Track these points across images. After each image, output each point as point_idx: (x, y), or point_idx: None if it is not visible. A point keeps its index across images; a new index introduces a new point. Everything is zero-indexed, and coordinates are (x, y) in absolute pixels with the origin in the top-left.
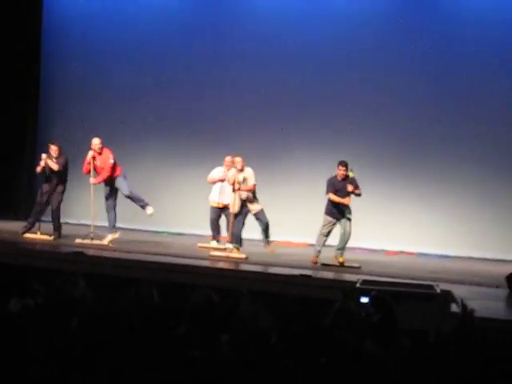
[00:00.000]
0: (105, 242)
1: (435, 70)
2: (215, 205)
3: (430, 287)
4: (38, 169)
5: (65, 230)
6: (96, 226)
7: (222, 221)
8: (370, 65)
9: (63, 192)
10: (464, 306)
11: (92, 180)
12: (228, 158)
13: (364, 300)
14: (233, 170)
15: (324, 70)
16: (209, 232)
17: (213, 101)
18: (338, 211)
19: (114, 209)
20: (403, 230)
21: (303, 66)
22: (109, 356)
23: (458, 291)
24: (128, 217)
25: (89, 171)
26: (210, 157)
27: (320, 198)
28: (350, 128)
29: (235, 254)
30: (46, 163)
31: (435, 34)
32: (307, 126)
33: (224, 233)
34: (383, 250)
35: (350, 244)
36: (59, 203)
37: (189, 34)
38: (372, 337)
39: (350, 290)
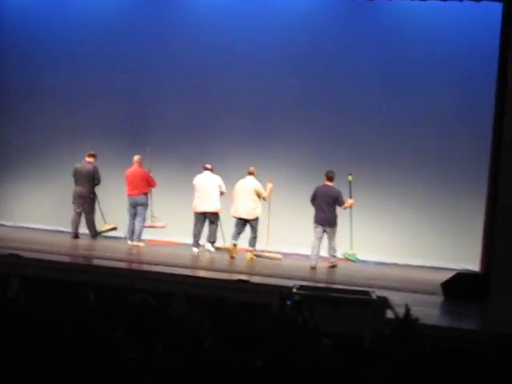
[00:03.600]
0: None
1: (394, 83)
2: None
3: (366, 293)
4: None
5: (0, 232)
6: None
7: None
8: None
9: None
10: (408, 310)
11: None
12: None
13: (288, 304)
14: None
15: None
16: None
17: (153, 104)
18: None
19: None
20: (342, 236)
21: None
22: (42, 356)
23: (394, 298)
24: (66, 219)
25: None
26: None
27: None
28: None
29: (273, 255)
30: None
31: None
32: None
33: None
34: (321, 257)
35: (288, 250)
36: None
37: (135, 37)
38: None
39: (286, 295)
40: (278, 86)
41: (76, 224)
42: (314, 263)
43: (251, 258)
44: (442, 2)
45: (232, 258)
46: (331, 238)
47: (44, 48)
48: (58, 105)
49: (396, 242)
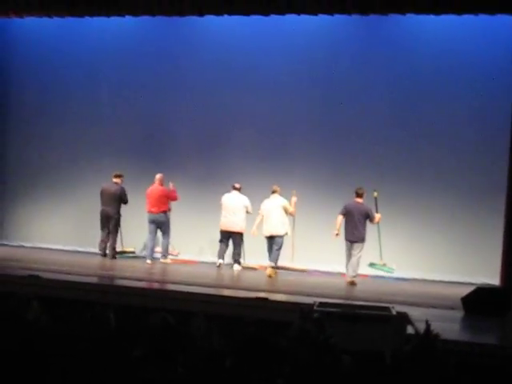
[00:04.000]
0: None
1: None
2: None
3: (386, 309)
4: None
5: (20, 253)
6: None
7: None
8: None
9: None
10: (428, 326)
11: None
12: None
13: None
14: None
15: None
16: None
17: (168, 123)
18: None
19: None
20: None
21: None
22: (64, 378)
23: (414, 313)
24: (85, 240)
25: None
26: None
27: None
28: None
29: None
30: None
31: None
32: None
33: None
34: (339, 273)
35: (309, 267)
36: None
37: (142, 60)
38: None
39: (307, 312)
40: (295, 103)
41: (104, 244)
42: (353, 279)
43: (270, 275)
44: (457, 16)
45: (270, 277)
46: (354, 254)
47: (60, 68)
48: (74, 125)
49: (414, 257)
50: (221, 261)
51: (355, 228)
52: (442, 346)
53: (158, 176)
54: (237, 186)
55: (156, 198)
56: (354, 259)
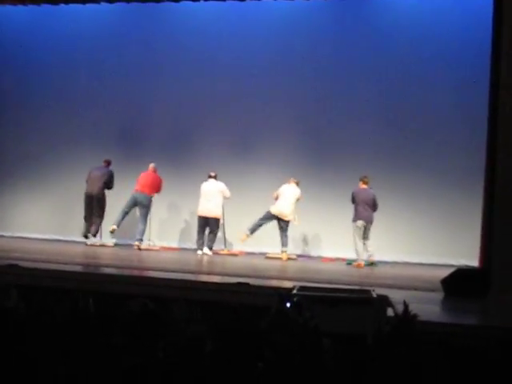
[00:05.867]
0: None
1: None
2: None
3: (367, 292)
4: None
5: None
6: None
7: None
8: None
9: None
10: (406, 306)
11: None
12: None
13: (287, 305)
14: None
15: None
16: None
17: (147, 111)
18: None
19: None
20: (339, 236)
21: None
22: (43, 365)
23: (395, 296)
24: (64, 228)
25: None
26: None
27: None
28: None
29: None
30: None
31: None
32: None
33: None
34: (319, 257)
35: (290, 251)
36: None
37: (120, 47)
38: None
39: (285, 295)
40: (276, 91)
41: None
42: (361, 263)
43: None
44: None
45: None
46: (368, 236)
47: (37, 56)
48: (54, 114)
49: (394, 240)
50: (200, 252)
51: (364, 210)
52: (422, 328)
53: (153, 164)
54: (212, 174)
55: (149, 182)
56: (370, 242)
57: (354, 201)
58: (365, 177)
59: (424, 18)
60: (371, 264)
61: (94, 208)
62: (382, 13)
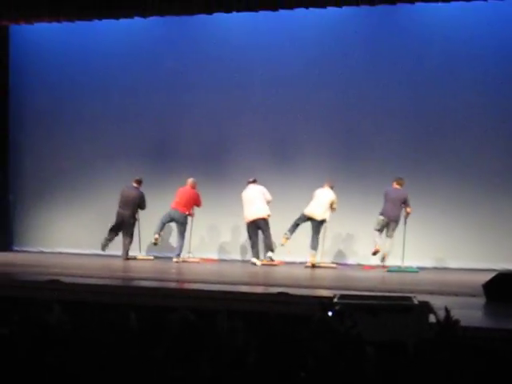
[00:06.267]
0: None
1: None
2: None
3: (408, 299)
4: None
5: (39, 258)
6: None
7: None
8: (363, 82)
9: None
10: (448, 312)
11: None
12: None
13: (329, 314)
14: None
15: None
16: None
17: (180, 125)
18: None
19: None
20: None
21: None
22: (85, 380)
23: (436, 302)
24: (97, 242)
25: None
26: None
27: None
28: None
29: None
30: None
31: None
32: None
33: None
34: (360, 265)
35: (327, 259)
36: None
37: (153, 61)
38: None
39: (328, 305)
40: (307, 98)
41: (108, 242)
42: (377, 247)
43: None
44: (466, 3)
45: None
46: (391, 234)
47: (71, 72)
48: (87, 129)
49: (434, 246)
50: (257, 261)
51: (390, 208)
52: (464, 333)
53: (191, 180)
54: (251, 179)
55: (185, 198)
56: (390, 241)
57: (384, 198)
58: (400, 178)
59: (456, 24)
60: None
61: (124, 229)
62: (414, 19)
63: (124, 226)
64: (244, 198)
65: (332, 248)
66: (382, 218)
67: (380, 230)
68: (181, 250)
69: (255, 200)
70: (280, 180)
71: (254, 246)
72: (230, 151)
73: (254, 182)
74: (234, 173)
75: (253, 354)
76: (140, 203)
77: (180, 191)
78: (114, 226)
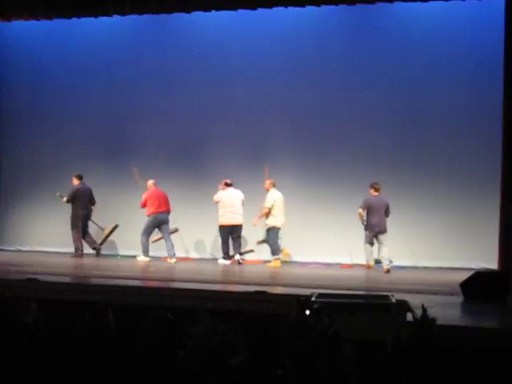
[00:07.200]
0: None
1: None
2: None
3: (386, 297)
4: None
5: (17, 257)
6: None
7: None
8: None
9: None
10: (425, 310)
11: None
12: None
13: (307, 312)
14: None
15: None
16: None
17: (160, 126)
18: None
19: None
20: (357, 243)
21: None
22: (62, 378)
23: (414, 301)
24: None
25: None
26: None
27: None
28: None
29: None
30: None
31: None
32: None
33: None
34: (337, 264)
35: (304, 259)
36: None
37: (133, 59)
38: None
39: (304, 303)
40: (286, 98)
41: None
42: (371, 263)
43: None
44: (444, 2)
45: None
46: (385, 244)
47: (50, 70)
48: (67, 127)
49: (412, 245)
50: (223, 261)
51: (377, 218)
52: (441, 331)
53: (153, 181)
54: (229, 181)
55: (164, 199)
56: (386, 249)
57: (367, 210)
58: (376, 183)
59: (434, 24)
60: (388, 271)
61: (85, 224)
62: (392, 18)
63: (86, 221)
64: (227, 201)
65: (311, 247)
66: (375, 231)
67: (371, 243)
68: (174, 248)
69: (238, 205)
70: (255, 182)
71: (227, 248)
72: (205, 150)
73: (232, 185)
74: (207, 170)
75: (238, 355)
76: (93, 197)
77: (155, 195)
78: (83, 228)
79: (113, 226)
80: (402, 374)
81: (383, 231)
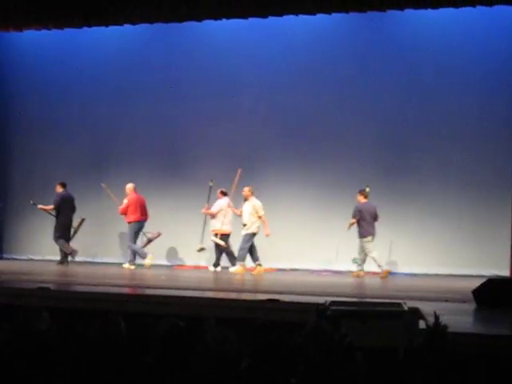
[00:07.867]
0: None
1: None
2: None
3: (398, 305)
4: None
5: (29, 266)
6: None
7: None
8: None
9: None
10: (437, 318)
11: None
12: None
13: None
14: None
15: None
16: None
17: (166, 135)
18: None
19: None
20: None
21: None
22: None
23: (426, 308)
24: (92, 250)
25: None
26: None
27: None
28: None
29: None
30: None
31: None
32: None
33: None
34: (350, 272)
35: (317, 267)
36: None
37: (143, 68)
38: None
39: (323, 310)
40: (297, 104)
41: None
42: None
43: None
44: (456, 9)
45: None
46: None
47: (61, 79)
48: (79, 138)
49: (424, 252)
50: (215, 268)
51: (371, 225)
52: (454, 339)
53: (133, 185)
54: (224, 190)
55: (144, 207)
56: (376, 253)
57: (361, 217)
58: (363, 190)
59: (445, 31)
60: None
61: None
62: (403, 26)
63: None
64: (225, 209)
65: (321, 255)
66: (369, 239)
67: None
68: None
69: (231, 215)
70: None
71: (232, 253)
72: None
73: (227, 193)
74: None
75: (243, 361)
76: (74, 206)
77: (137, 202)
78: (68, 233)
79: (79, 220)
80: (414, 382)
81: (375, 235)
